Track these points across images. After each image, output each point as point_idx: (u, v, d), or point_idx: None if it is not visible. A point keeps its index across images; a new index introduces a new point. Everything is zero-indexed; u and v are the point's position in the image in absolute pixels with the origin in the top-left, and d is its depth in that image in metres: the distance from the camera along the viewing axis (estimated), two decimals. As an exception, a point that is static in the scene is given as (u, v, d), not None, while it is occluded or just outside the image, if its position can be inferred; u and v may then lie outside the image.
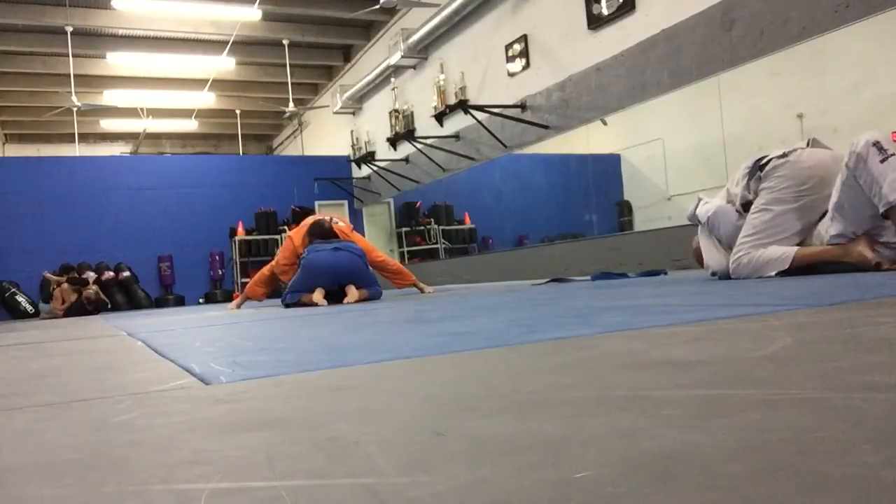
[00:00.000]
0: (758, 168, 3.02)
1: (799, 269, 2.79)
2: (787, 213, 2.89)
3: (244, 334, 2.24)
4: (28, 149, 15.66)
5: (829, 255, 2.72)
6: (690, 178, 7.51)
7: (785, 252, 2.82)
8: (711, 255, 3.22)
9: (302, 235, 5.13)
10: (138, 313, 7.81)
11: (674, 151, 7.82)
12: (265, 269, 5.44)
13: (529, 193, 10.50)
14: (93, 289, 9.77)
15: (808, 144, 3.04)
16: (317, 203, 12.40)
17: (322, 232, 5.00)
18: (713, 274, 3.24)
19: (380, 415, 0.73)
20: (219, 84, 13.53)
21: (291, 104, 12.52)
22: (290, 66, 12.27)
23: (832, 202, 2.75)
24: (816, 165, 2.90)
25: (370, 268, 5.10)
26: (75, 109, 11.63)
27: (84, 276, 10.27)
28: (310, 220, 5.29)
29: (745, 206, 3.06)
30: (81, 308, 9.43)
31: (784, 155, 2.96)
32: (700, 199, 3.34)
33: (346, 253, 4.81)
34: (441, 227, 11.67)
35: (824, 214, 2.85)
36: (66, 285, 9.67)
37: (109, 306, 10.15)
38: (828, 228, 2.78)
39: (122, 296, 11.10)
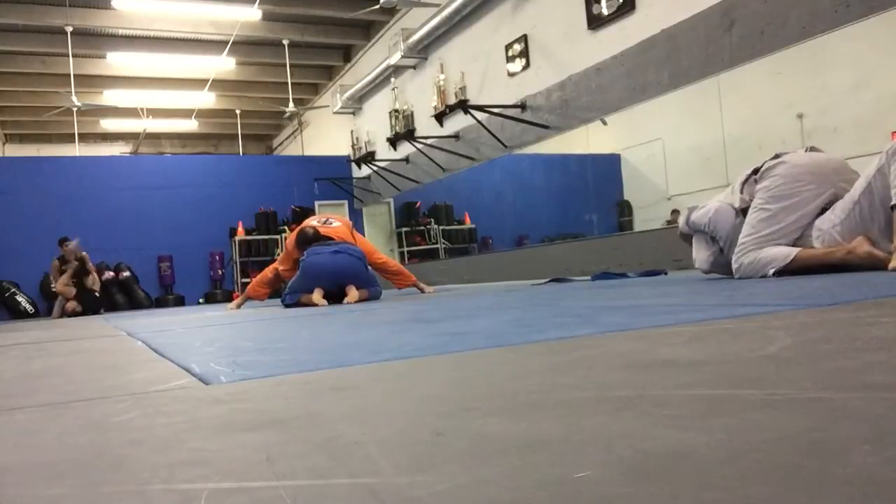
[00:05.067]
0: (754, 172, 3.08)
1: (799, 269, 2.80)
2: (785, 210, 2.91)
3: (244, 334, 2.24)
4: (28, 149, 15.64)
5: (832, 259, 2.71)
6: (690, 178, 7.52)
7: (787, 252, 2.82)
8: (699, 251, 3.28)
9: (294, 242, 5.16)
10: (138, 313, 7.80)
11: (674, 151, 7.84)
12: (267, 271, 5.45)
13: (529, 193, 10.50)
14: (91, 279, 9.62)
15: (805, 150, 3.13)
16: (317, 203, 12.39)
17: (307, 240, 4.97)
18: (702, 271, 3.31)
19: (380, 415, 0.73)
20: (219, 84, 13.53)
21: (291, 104, 12.51)
22: (290, 66, 12.26)
23: (851, 200, 2.74)
24: (810, 163, 2.96)
25: (371, 268, 5.11)
26: (75, 109, 11.62)
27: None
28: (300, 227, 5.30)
29: (744, 210, 3.09)
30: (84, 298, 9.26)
31: (777, 156, 3.04)
32: (690, 209, 3.33)
33: (344, 255, 4.81)
34: (441, 227, 11.66)
35: (821, 213, 2.86)
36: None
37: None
38: (831, 227, 2.78)
39: (122, 296, 11.09)
